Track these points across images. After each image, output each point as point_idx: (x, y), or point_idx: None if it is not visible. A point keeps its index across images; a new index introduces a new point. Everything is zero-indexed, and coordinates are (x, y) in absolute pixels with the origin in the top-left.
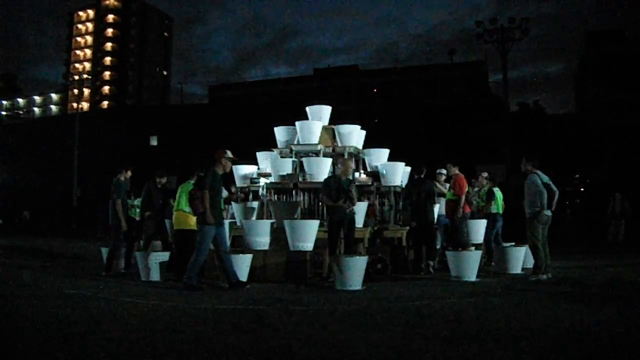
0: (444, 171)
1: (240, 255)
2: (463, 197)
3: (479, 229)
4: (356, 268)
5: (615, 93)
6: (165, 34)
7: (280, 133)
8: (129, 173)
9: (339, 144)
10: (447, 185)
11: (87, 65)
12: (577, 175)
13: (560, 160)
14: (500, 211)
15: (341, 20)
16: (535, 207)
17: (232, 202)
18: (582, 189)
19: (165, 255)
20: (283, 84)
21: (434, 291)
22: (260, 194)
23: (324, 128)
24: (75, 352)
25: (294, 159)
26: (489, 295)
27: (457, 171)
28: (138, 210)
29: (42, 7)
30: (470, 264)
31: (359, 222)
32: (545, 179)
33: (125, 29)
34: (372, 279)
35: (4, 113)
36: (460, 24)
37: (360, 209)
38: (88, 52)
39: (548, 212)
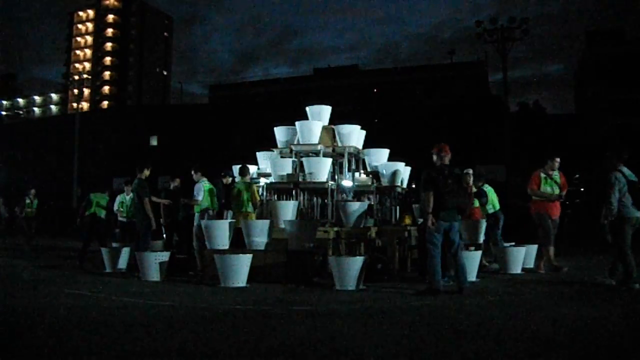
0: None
1: (240, 255)
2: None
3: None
4: (356, 268)
5: (615, 93)
6: (165, 34)
7: (280, 133)
8: (147, 172)
9: (339, 144)
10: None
11: (87, 65)
12: (577, 176)
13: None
14: (498, 207)
15: (341, 20)
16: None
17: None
18: (582, 189)
19: (165, 255)
20: (283, 84)
21: None
22: (259, 194)
23: (324, 128)
24: (75, 352)
25: (294, 159)
26: (489, 295)
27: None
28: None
29: (42, 7)
30: (470, 264)
31: (359, 222)
32: (630, 175)
33: (125, 29)
34: (373, 279)
35: (4, 113)
36: (461, 24)
37: (360, 209)
38: (88, 52)
39: (634, 213)
